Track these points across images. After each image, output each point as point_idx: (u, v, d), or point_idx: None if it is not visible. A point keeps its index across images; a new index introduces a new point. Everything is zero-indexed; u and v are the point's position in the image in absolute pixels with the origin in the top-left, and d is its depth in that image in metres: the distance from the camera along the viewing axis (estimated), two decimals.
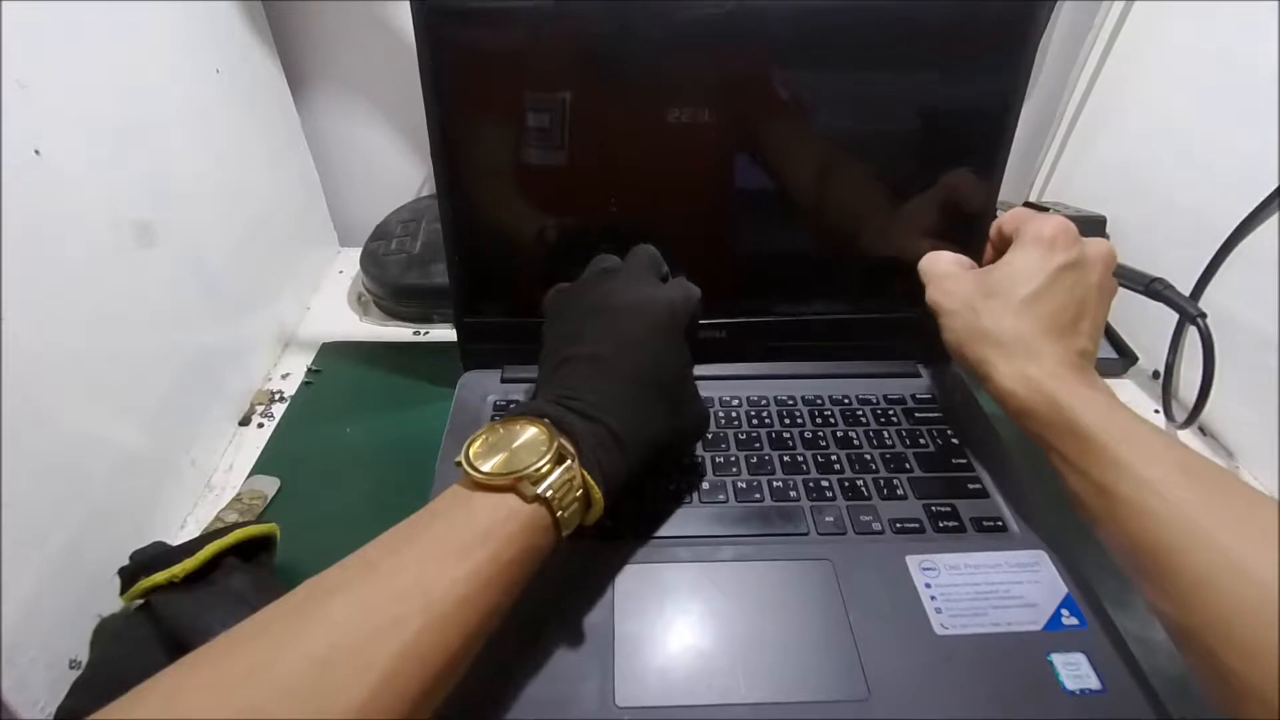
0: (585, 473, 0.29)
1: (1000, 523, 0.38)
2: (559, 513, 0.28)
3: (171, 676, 0.21)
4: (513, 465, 0.27)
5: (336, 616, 0.23)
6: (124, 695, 0.21)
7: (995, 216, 0.43)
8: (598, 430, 0.30)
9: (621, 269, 0.38)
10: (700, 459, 0.41)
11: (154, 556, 0.32)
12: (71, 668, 0.31)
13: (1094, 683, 0.31)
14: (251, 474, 0.44)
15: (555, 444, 0.28)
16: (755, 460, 0.41)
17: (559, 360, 0.33)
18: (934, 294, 0.39)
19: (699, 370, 0.48)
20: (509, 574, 0.26)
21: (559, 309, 0.37)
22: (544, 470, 0.27)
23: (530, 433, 0.29)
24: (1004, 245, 0.40)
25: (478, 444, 0.29)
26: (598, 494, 0.29)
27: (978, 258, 0.42)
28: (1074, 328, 0.35)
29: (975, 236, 0.43)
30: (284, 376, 0.52)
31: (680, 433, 0.36)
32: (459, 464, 0.28)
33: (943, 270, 0.40)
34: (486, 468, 0.27)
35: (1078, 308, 0.35)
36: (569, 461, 0.28)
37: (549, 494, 0.27)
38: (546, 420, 0.29)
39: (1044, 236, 0.36)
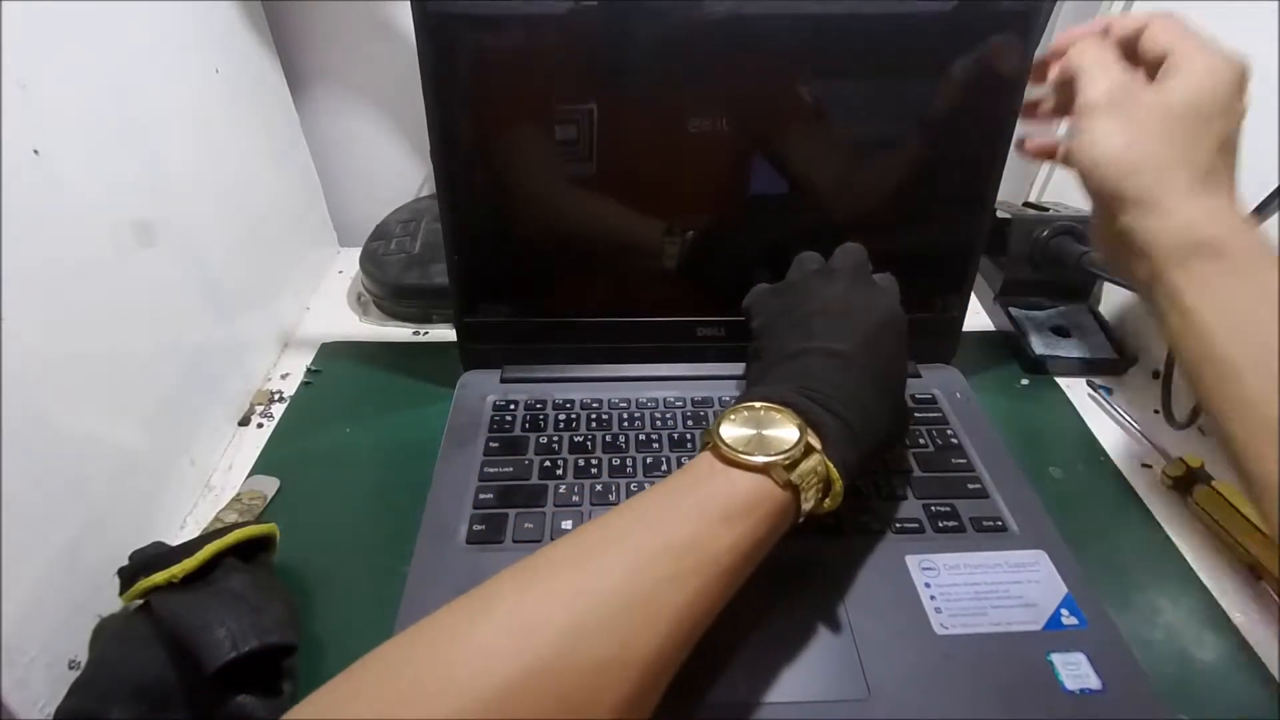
0: (829, 463, 0.29)
1: (1000, 523, 0.38)
2: (804, 500, 0.29)
3: (509, 586, 0.24)
4: (767, 449, 0.28)
5: (629, 565, 0.25)
6: (470, 593, 0.24)
7: (993, 214, 0.43)
8: (840, 425, 0.31)
9: (841, 270, 0.38)
10: None
11: (153, 557, 0.32)
12: (71, 668, 0.31)
13: (1094, 682, 0.31)
14: (251, 474, 0.44)
15: (805, 434, 0.29)
16: None
17: (792, 352, 0.34)
18: (1103, 86, 0.30)
19: (698, 370, 0.48)
20: (759, 550, 0.28)
21: (776, 307, 0.38)
22: (797, 458, 0.28)
23: (780, 420, 0.30)
24: (1142, 55, 0.31)
25: (729, 423, 0.30)
26: (839, 484, 0.30)
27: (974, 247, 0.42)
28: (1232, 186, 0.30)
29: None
30: (283, 376, 0.52)
31: (895, 435, 0.37)
32: (712, 436, 0.29)
33: (1115, 79, 0.31)
34: (744, 449, 0.28)
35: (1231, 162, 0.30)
36: (815, 453, 0.29)
37: (798, 481, 0.28)
38: (795, 410, 0.30)
39: (1240, 73, 0.29)
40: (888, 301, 0.37)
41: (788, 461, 0.28)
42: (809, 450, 0.29)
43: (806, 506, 0.29)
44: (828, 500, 0.30)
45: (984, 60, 0.40)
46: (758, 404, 0.31)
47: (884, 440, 0.34)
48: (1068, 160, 0.32)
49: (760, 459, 0.28)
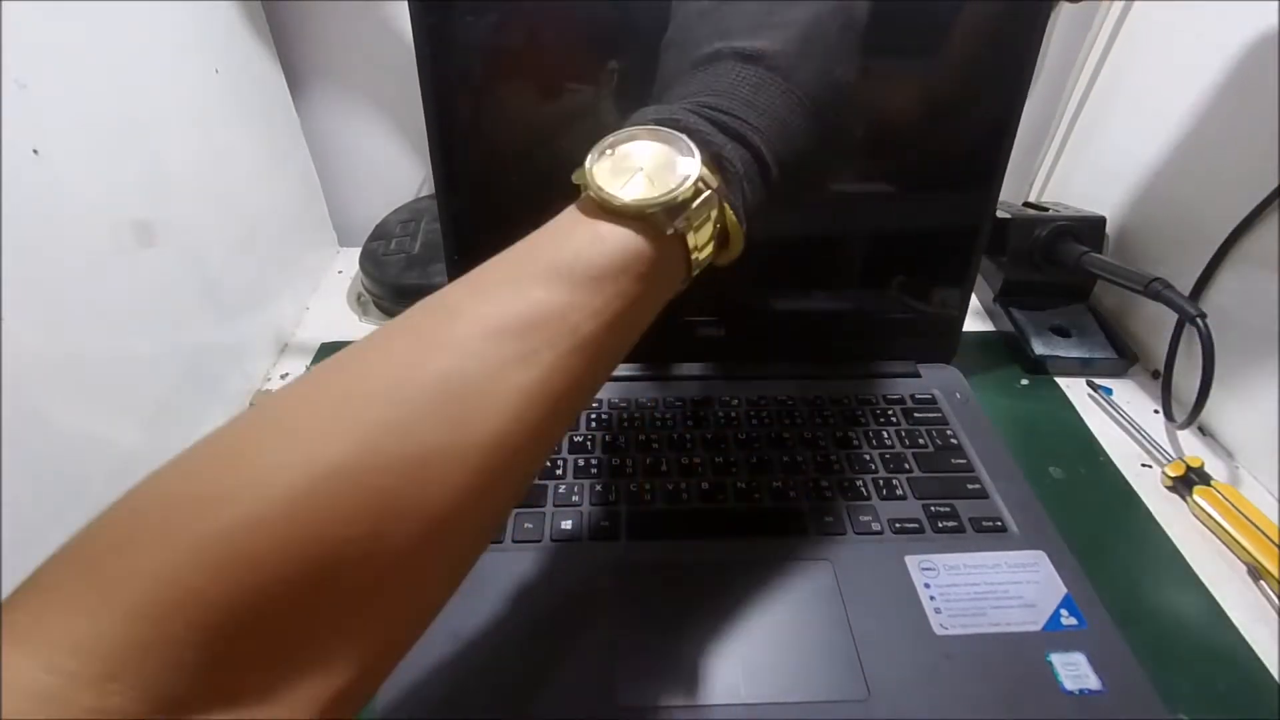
0: (728, 207, 0.24)
1: (999, 523, 0.38)
2: (693, 252, 0.24)
3: (304, 387, 0.20)
4: (648, 193, 0.22)
5: (464, 345, 0.20)
6: (273, 392, 0.19)
7: (995, 208, 0.42)
8: (746, 156, 0.24)
9: None
10: (698, 461, 0.41)
11: None
12: None
13: (1093, 683, 0.31)
14: None
15: (697, 169, 0.23)
16: (755, 461, 0.41)
17: (699, 58, 0.26)
18: None
19: (697, 370, 0.48)
20: (635, 316, 0.23)
21: None
22: (681, 200, 0.22)
23: (665, 151, 0.23)
24: None
25: (603, 159, 0.24)
26: (738, 233, 0.24)
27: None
28: None
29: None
30: (283, 376, 0.52)
31: (827, 136, 0.28)
32: (578, 181, 0.24)
33: None
34: (614, 190, 0.23)
35: None
36: (709, 192, 0.23)
37: (684, 228, 0.23)
38: (687, 135, 0.23)
39: None
40: None
41: (671, 203, 0.22)
42: (700, 189, 0.23)
43: (699, 259, 0.24)
44: (727, 251, 0.25)
45: (989, 50, 0.40)
46: (640, 130, 0.24)
47: (812, 167, 0.27)
48: None
49: (632, 202, 0.22)
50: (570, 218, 0.24)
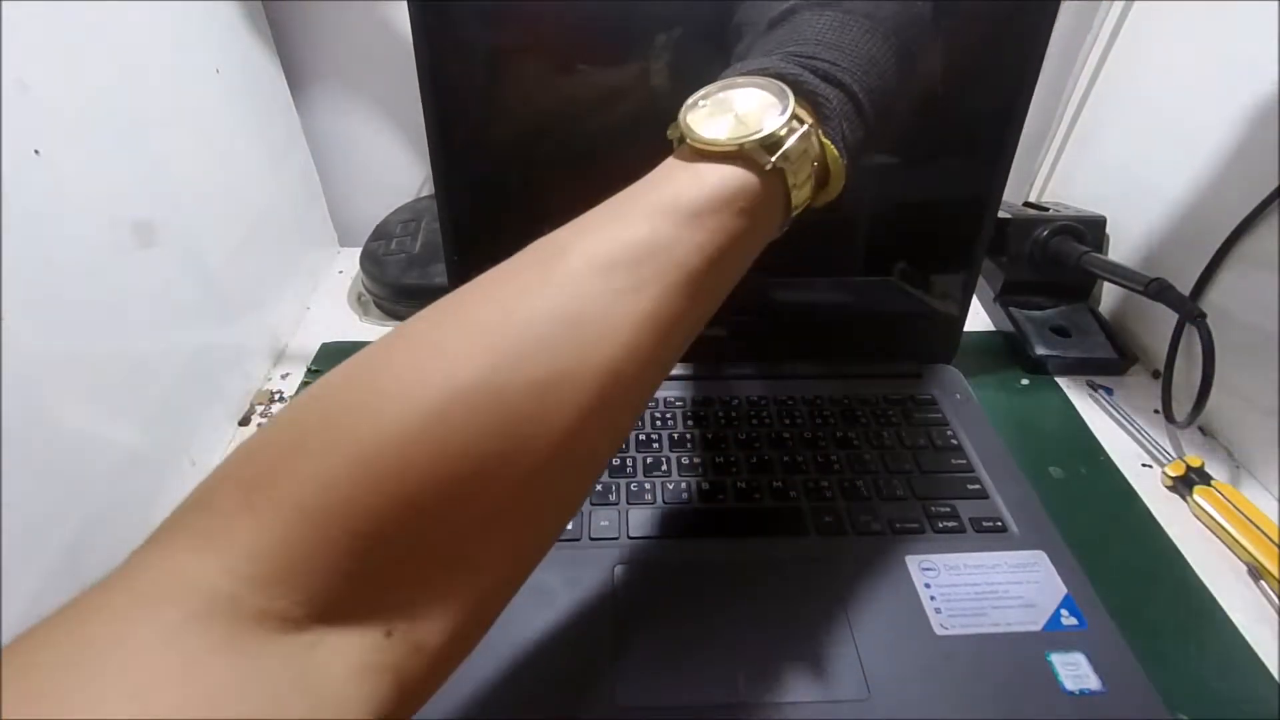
0: (828, 143, 0.24)
1: (1000, 523, 0.38)
2: (793, 189, 0.24)
3: (435, 316, 0.21)
4: (743, 131, 0.23)
5: (576, 279, 0.21)
6: (396, 327, 0.21)
7: (998, 209, 0.42)
8: (842, 95, 0.25)
9: None
10: (699, 460, 0.41)
11: None
12: None
13: (1093, 683, 0.31)
14: None
15: (791, 107, 0.24)
16: (755, 461, 0.41)
17: (776, 16, 0.27)
18: None
19: (698, 369, 0.48)
20: (738, 250, 0.24)
21: None
22: (780, 136, 0.23)
23: (759, 95, 0.24)
24: None
25: (696, 110, 0.25)
26: (839, 166, 0.25)
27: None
28: None
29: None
30: (284, 376, 0.52)
31: (915, 92, 0.29)
32: (673, 132, 0.25)
33: None
34: (711, 133, 0.24)
35: None
36: (805, 127, 0.24)
37: (783, 164, 0.23)
38: (779, 80, 0.24)
39: None
40: None
41: (768, 140, 0.23)
42: (795, 127, 0.24)
43: (799, 197, 0.24)
44: (827, 189, 0.26)
45: (992, 56, 0.40)
46: (733, 80, 0.25)
47: (899, 103, 0.28)
48: None
49: (727, 139, 0.23)
50: (668, 164, 0.24)
